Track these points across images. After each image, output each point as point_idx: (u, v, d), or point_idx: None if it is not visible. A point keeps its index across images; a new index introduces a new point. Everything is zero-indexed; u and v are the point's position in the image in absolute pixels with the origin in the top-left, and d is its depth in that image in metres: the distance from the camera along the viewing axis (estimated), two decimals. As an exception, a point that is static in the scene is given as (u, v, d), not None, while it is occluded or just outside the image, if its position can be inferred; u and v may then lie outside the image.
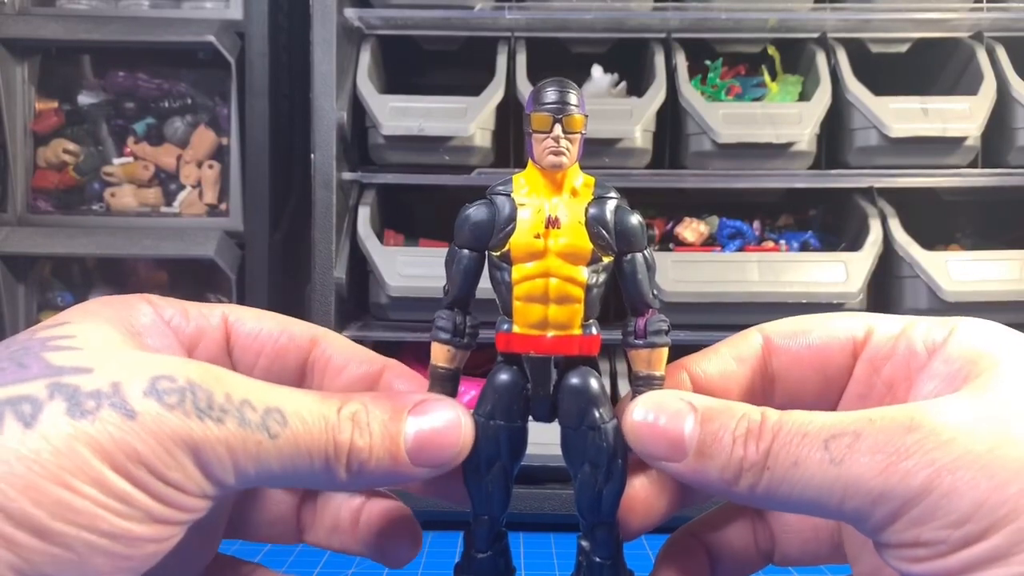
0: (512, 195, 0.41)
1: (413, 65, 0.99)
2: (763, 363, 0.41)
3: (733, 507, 0.45)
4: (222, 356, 0.41)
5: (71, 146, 0.98)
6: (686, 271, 0.85)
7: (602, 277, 0.40)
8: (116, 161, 0.99)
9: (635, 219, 0.41)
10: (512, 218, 0.40)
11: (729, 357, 0.41)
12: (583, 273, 0.40)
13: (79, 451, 0.29)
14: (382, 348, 0.92)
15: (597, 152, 0.85)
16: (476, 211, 0.41)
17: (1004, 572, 0.29)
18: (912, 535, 0.30)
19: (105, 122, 1.00)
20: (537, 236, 0.40)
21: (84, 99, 1.00)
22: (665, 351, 0.41)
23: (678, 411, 0.35)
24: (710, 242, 0.93)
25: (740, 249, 0.91)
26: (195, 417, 0.31)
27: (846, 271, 0.85)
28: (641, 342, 0.41)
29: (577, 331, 0.40)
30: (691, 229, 0.92)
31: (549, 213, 0.40)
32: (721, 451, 0.33)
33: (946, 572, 0.30)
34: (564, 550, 0.76)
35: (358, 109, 0.89)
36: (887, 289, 0.90)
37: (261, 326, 0.42)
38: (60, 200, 0.99)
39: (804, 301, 0.84)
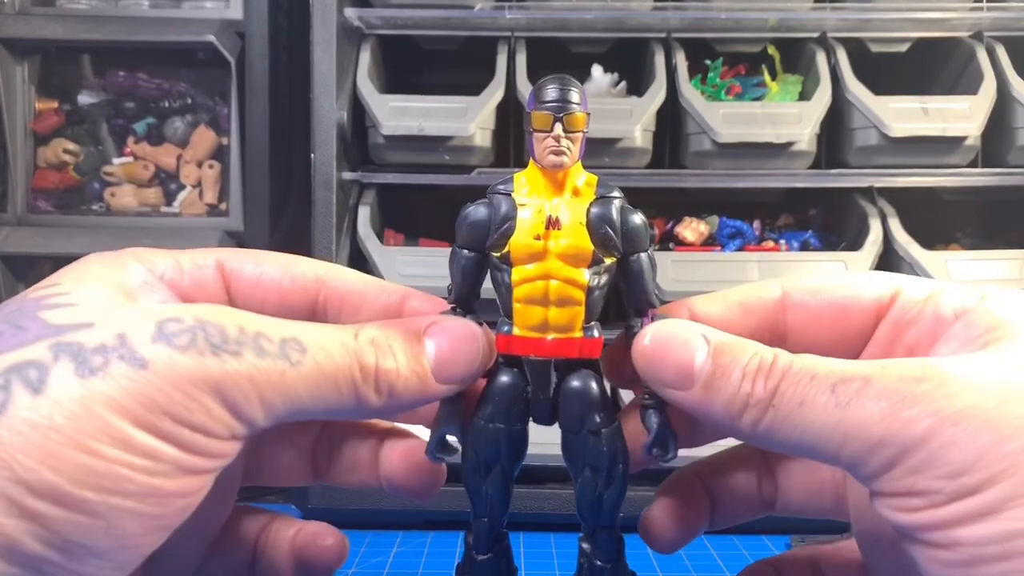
0: (512, 194, 0.40)
1: (413, 65, 0.99)
2: (775, 317, 0.40)
3: (740, 452, 0.45)
4: None
5: (71, 146, 0.98)
6: (686, 271, 0.85)
7: (604, 279, 0.40)
8: (116, 161, 0.99)
9: (640, 219, 0.40)
10: (508, 217, 0.39)
11: (736, 306, 0.41)
12: (584, 275, 0.39)
13: (95, 411, 0.28)
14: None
15: (597, 152, 0.85)
16: (474, 211, 0.41)
17: (994, 527, 0.28)
18: (907, 484, 0.30)
19: (105, 122, 1.00)
20: (537, 237, 0.39)
21: (84, 99, 1.00)
22: None
23: (690, 341, 0.35)
24: (710, 242, 0.93)
25: (740, 249, 0.91)
26: (210, 354, 0.30)
27: (846, 271, 0.85)
28: None
29: (578, 334, 0.40)
30: (691, 229, 0.92)
31: (550, 213, 0.39)
32: (729, 385, 0.33)
33: (936, 523, 0.30)
34: (564, 550, 0.76)
35: (358, 109, 0.88)
36: (887, 289, 0.90)
37: (262, 270, 0.40)
38: (60, 200, 0.99)
39: (804, 301, 0.84)
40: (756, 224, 0.95)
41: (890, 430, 0.30)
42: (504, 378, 0.41)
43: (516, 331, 0.40)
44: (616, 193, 0.40)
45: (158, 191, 0.99)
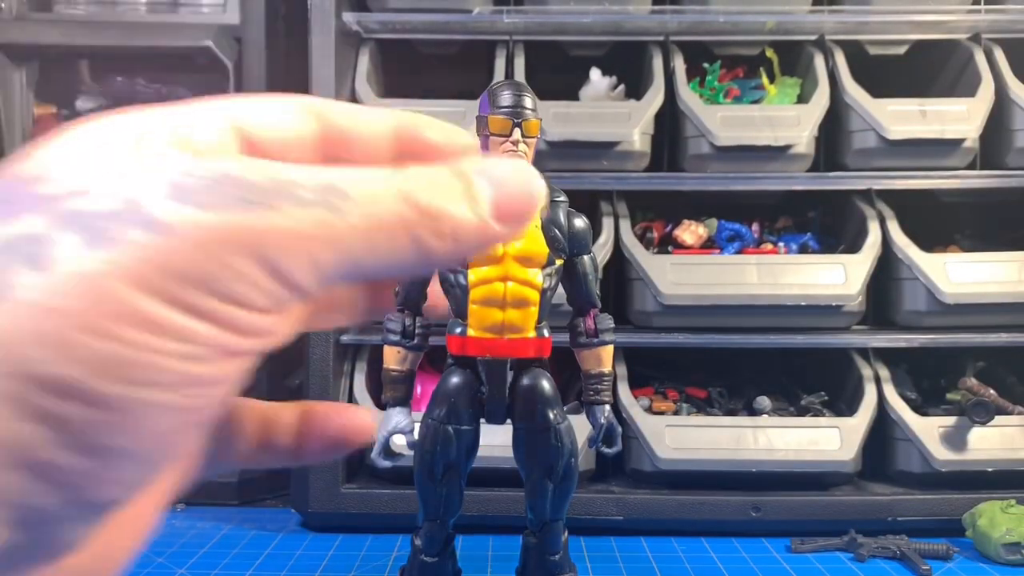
0: None
1: (411, 69, 0.99)
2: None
3: None
4: None
5: (70, 151, 0.98)
6: (685, 274, 0.85)
7: (554, 280, 0.42)
8: (115, 166, 0.99)
9: (583, 222, 0.43)
10: None
11: None
12: (539, 277, 0.41)
13: (115, 288, 0.22)
14: (381, 351, 0.92)
15: (595, 155, 0.85)
16: None
17: None
18: None
19: (103, 127, 1.00)
20: None
21: (83, 104, 1.00)
22: (612, 348, 0.43)
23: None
24: (709, 244, 0.93)
25: (739, 251, 0.91)
26: (240, 209, 0.24)
27: (845, 273, 0.85)
28: (596, 340, 0.43)
29: (531, 334, 0.42)
30: (690, 232, 0.92)
31: None
32: None
33: None
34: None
35: (356, 113, 0.89)
36: (886, 291, 0.90)
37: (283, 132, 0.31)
38: (59, 205, 0.99)
39: (803, 303, 0.84)
40: (755, 227, 0.95)
41: None
42: (458, 379, 0.42)
43: (471, 332, 0.42)
44: (562, 197, 0.43)
45: (157, 196, 0.99)
